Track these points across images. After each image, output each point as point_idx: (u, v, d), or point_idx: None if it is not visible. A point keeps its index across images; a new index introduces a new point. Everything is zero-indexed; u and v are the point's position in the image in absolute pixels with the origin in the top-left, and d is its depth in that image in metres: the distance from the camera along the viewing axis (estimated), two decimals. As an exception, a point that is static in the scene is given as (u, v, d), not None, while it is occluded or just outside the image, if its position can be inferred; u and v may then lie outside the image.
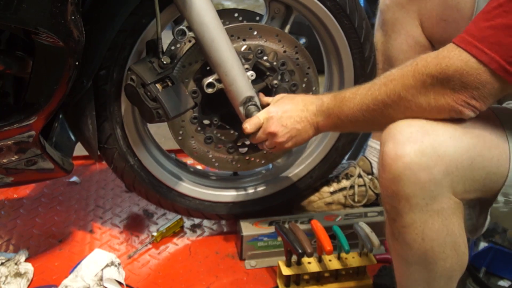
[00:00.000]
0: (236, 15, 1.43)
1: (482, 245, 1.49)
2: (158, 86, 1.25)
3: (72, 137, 1.45)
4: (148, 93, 1.25)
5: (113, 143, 1.44)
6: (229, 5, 3.27)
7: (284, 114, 1.25)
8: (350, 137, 1.58)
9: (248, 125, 1.29)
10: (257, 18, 1.45)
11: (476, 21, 0.93)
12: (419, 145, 0.92)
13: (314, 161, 1.61)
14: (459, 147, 0.94)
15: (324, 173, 1.63)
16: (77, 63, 1.12)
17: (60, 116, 1.40)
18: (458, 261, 1.01)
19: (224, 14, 1.42)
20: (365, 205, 1.71)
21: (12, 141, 1.21)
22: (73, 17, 1.07)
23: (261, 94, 1.37)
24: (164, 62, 1.25)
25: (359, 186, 1.70)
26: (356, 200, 1.70)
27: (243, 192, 1.62)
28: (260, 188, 1.62)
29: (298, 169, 1.62)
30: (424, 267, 1.01)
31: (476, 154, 0.95)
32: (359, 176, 1.71)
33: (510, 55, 0.88)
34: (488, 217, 1.03)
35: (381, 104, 1.03)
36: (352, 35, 1.44)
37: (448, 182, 0.94)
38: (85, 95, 1.32)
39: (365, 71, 1.49)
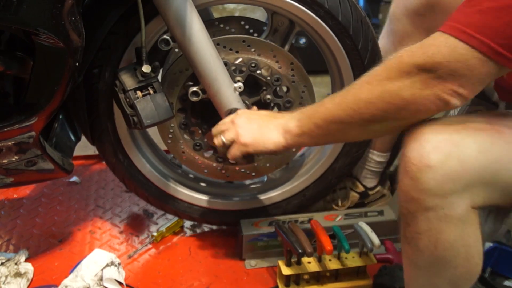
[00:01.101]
0: (242, 22, 1.43)
1: (487, 245, 1.49)
2: (139, 93, 1.26)
3: (72, 138, 1.45)
4: (127, 99, 1.26)
5: (104, 139, 1.45)
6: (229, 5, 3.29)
7: (255, 114, 1.22)
8: (348, 159, 1.55)
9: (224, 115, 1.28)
10: (264, 28, 1.43)
11: (461, 9, 0.91)
12: (446, 157, 0.90)
13: (308, 179, 1.58)
14: (486, 160, 0.92)
15: (318, 193, 1.61)
16: (77, 63, 1.12)
17: (60, 117, 1.40)
18: (469, 270, 1.00)
19: (230, 21, 1.42)
20: (349, 207, 1.71)
21: (13, 142, 1.21)
22: (73, 18, 1.07)
23: (254, 107, 1.36)
24: (144, 71, 1.25)
25: (339, 189, 1.71)
26: (339, 204, 1.70)
27: (235, 201, 1.61)
28: (252, 200, 1.61)
29: (291, 186, 1.60)
30: (433, 273, 1.00)
31: (501, 167, 0.93)
32: None
33: (502, 37, 0.86)
34: (503, 226, 1.03)
35: (363, 102, 0.99)
36: (355, 56, 1.39)
37: (470, 194, 0.93)
38: (77, 88, 1.35)
39: None
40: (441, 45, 0.90)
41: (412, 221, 0.96)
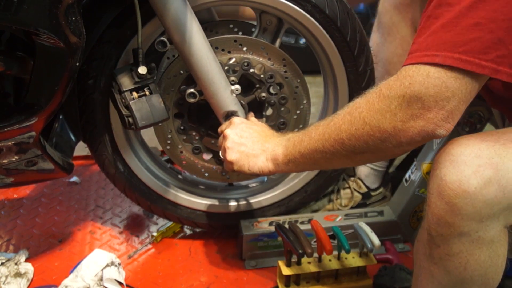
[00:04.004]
0: (231, 26, 1.43)
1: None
2: (134, 94, 1.26)
3: (73, 138, 1.45)
4: (123, 100, 1.26)
5: (102, 150, 1.45)
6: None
7: (247, 130, 1.22)
8: None
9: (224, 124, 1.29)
10: (253, 29, 1.43)
11: (415, 41, 0.93)
12: (486, 183, 0.87)
13: (309, 175, 1.58)
14: None
15: (319, 188, 1.61)
16: (77, 64, 1.12)
17: (61, 117, 1.40)
18: (491, 287, 1.00)
19: (219, 25, 1.42)
20: (352, 207, 1.71)
21: (13, 142, 1.21)
22: (73, 18, 1.07)
23: (251, 114, 1.36)
24: (140, 72, 1.25)
25: (343, 189, 1.71)
26: (343, 204, 1.70)
27: (236, 203, 1.60)
28: (253, 200, 1.61)
29: (292, 183, 1.60)
30: None
31: None
32: (342, 179, 1.72)
33: (459, 45, 0.87)
34: None
35: (344, 133, 0.99)
36: (345, 48, 1.40)
37: (505, 216, 0.91)
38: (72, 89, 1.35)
39: (359, 86, 1.45)
40: (414, 75, 0.90)
41: (443, 243, 0.94)
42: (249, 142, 1.20)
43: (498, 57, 0.87)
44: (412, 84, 0.89)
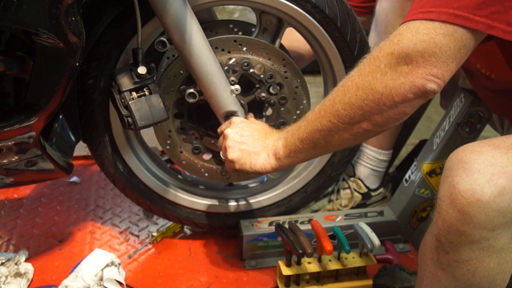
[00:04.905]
0: (231, 26, 1.43)
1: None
2: (134, 94, 1.26)
3: (72, 138, 1.45)
4: (122, 100, 1.26)
5: (102, 150, 1.45)
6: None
7: (247, 129, 1.22)
8: (345, 152, 1.55)
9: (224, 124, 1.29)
10: (253, 29, 1.43)
11: (413, 2, 0.93)
12: (500, 192, 0.86)
13: (308, 175, 1.58)
14: None
15: (319, 188, 1.61)
16: (77, 64, 1.12)
17: (61, 117, 1.40)
18: None
19: (219, 26, 1.42)
20: (352, 207, 1.71)
21: (13, 142, 1.21)
22: (73, 18, 1.07)
23: (250, 114, 1.36)
24: (140, 72, 1.25)
25: (343, 189, 1.71)
26: (343, 204, 1.70)
27: (236, 203, 1.60)
28: (253, 200, 1.61)
29: (292, 183, 1.60)
30: None
31: None
32: (342, 179, 1.72)
33: (453, 1, 0.87)
34: None
35: (339, 104, 0.99)
36: (345, 48, 1.40)
37: None
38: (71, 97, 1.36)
39: None
40: (404, 32, 0.91)
41: (453, 250, 0.93)
42: (249, 140, 1.20)
43: (492, 13, 0.87)
44: (401, 41, 0.90)
